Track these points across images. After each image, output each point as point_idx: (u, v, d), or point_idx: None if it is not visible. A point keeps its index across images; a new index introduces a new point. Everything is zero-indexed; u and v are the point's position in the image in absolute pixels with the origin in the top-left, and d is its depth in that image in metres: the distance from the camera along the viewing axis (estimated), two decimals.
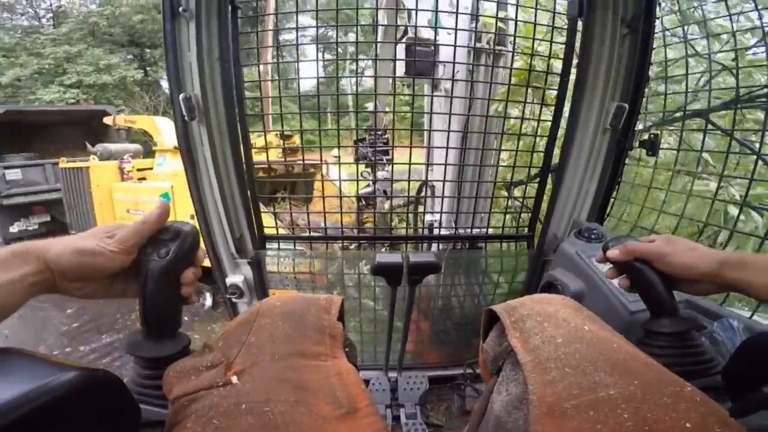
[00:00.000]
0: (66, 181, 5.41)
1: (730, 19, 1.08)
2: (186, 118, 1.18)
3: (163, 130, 4.77)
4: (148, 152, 5.84)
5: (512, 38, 1.35)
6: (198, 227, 1.28)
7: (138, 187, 4.51)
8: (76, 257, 0.47)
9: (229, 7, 1.19)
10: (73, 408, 0.36)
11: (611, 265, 0.71)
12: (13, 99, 14.06)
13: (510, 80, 1.27)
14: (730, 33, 1.11)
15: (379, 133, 2.59)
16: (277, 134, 3.38)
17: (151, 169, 4.86)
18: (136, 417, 0.47)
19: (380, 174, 2.43)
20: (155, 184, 4.38)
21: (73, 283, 0.49)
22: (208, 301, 3.95)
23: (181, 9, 1.11)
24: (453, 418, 1.64)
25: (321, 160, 1.40)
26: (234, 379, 0.46)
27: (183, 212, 3.89)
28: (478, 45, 1.48)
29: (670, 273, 0.63)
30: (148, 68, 16.44)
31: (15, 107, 8.40)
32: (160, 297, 0.53)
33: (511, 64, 1.24)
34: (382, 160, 2.45)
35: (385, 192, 2.37)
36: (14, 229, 6.28)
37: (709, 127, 1.10)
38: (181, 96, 1.16)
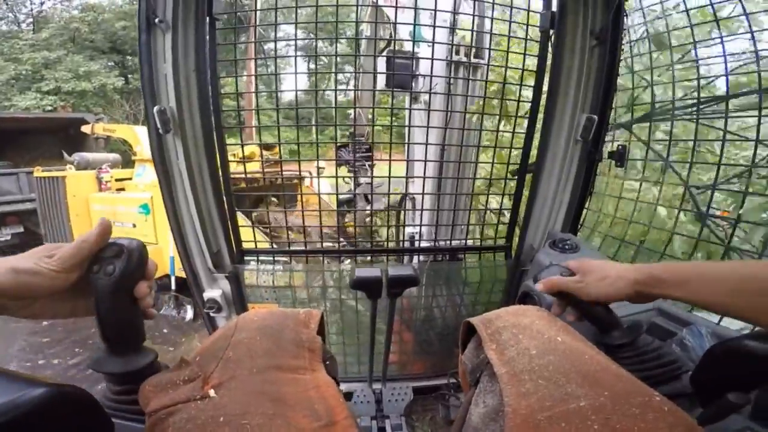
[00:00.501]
0: (41, 191, 5.19)
1: (691, 29, 1.13)
2: (161, 130, 1.16)
3: (143, 139, 4.67)
4: (128, 162, 5.72)
5: (488, 51, 1.38)
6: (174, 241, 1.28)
7: (116, 198, 4.40)
8: (13, 276, 0.45)
9: (207, 19, 1.18)
10: (41, 425, 0.35)
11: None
12: None
13: (485, 93, 1.30)
14: (692, 43, 1.16)
15: (361, 140, 2.61)
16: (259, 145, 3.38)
17: (130, 179, 4.75)
18: None
19: (362, 180, 2.45)
20: (134, 195, 4.29)
21: (14, 302, 0.47)
22: (189, 313, 3.86)
23: (156, 20, 1.10)
24: (438, 428, 1.63)
25: (300, 172, 1.40)
26: (212, 392, 0.46)
27: (163, 224, 3.81)
28: (455, 57, 1.51)
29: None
30: (129, 75, 16.05)
31: None
32: (115, 314, 0.52)
33: (486, 77, 1.26)
34: (364, 165, 2.47)
35: (366, 197, 2.37)
36: None
37: (674, 135, 1.14)
38: (156, 108, 1.14)
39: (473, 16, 1.39)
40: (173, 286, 3.86)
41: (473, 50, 1.50)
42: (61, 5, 16.82)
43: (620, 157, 1.15)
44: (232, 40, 1.32)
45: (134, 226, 4.08)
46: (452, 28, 1.47)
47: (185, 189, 1.24)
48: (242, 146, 1.37)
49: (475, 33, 1.48)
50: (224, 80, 1.31)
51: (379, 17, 1.94)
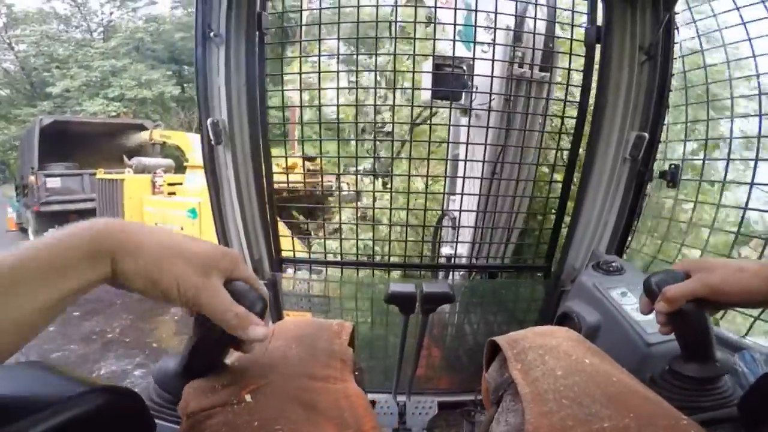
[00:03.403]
0: (101, 192, 5.67)
1: (750, 44, 1.05)
2: (213, 142, 1.23)
3: (196, 146, 4.97)
4: (179, 167, 6.08)
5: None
6: None
7: (167, 202, 4.75)
8: (147, 287, 0.40)
9: (257, 33, 1.23)
10: (94, 426, 0.36)
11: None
12: (61, 110, 14.73)
13: (529, 109, 1.27)
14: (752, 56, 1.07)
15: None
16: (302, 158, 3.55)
17: (181, 184, 5.06)
18: None
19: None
20: (184, 200, 4.56)
21: None
22: None
23: (212, 34, 1.16)
24: None
25: (339, 184, 1.43)
26: (248, 397, 0.47)
27: (208, 228, 4.01)
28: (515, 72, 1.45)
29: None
30: (185, 85, 16.85)
31: (61, 118, 8.69)
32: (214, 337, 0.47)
33: (548, 95, 1.21)
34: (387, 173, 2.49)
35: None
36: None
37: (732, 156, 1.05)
38: (209, 121, 1.20)
39: (514, 32, 1.37)
40: None
41: (515, 65, 1.46)
42: (128, 15, 17.91)
43: (672, 176, 1.08)
44: (279, 54, 1.38)
45: (182, 228, 4.33)
46: (493, 44, 1.46)
47: (232, 198, 1.30)
48: (285, 157, 1.43)
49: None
50: (271, 93, 1.36)
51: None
